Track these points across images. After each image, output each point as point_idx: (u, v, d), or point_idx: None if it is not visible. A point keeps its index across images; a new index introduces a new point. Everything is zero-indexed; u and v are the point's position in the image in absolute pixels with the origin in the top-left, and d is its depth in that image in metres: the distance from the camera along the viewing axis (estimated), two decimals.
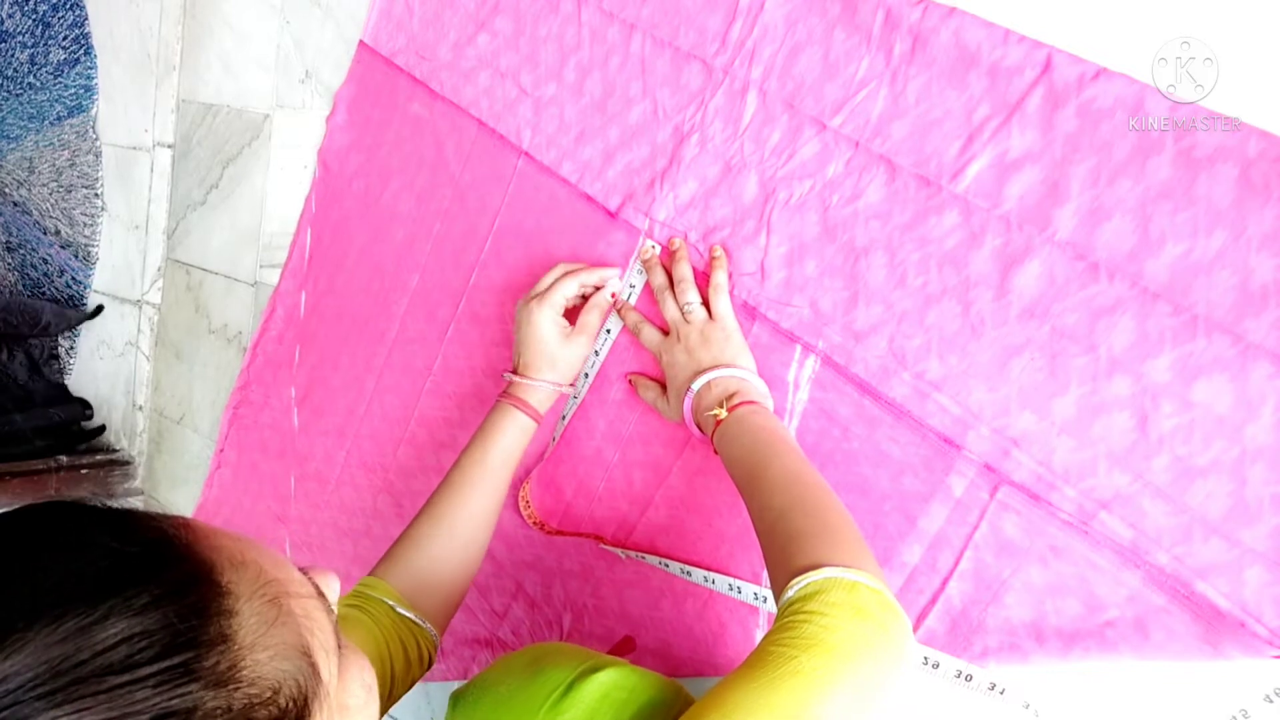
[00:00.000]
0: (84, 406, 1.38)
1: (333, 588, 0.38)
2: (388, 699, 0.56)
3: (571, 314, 0.74)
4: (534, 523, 0.82)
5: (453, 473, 0.70)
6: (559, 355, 0.72)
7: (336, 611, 0.38)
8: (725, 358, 0.66)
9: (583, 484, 0.80)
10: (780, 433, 0.61)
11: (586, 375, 0.78)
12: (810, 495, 0.53)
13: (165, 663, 0.27)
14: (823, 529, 0.49)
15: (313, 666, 0.31)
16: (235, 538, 0.33)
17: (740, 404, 0.63)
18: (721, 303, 0.69)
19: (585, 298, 0.75)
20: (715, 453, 0.64)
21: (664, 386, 0.71)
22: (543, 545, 0.83)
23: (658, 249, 0.73)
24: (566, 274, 0.73)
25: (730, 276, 0.71)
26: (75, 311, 1.38)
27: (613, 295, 0.74)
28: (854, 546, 0.48)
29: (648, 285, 0.74)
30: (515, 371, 0.73)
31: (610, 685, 0.49)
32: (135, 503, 1.33)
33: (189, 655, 0.27)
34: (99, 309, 1.37)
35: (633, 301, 0.75)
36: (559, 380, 0.72)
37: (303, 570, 0.36)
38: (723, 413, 0.63)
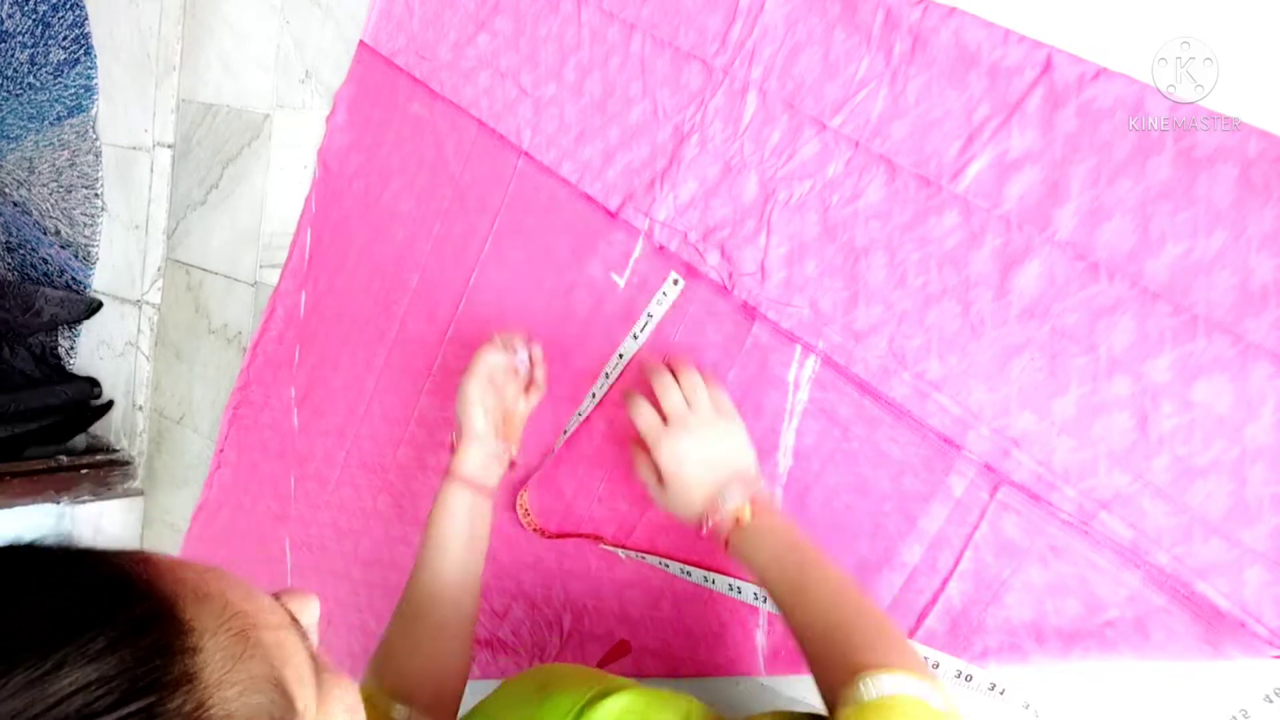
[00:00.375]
0: (92, 384, 1.38)
1: (310, 611, 0.36)
2: None
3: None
4: (533, 529, 0.82)
5: (415, 566, 0.69)
6: (473, 420, 0.70)
7: (316, 636, 0.37)
8: (738, 460, 0.64)
9: (583, 484, 0.80)
10: (797, 533, 0.59)
11: (594, 395, 0.77)
12: (855, 605, 0.53)
13: (126, 709, 0.25)
14: (878, 636, 0.50)
15: (287, 698, 0.30)
16: (200, 569, 0.31)
17: (756, 512, 0.61)
18: (700, 399, 0.65)
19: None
20: (725, 550, 0.61)
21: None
22: (543, 546, 0.83)
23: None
24: (486, 349, 0.72)
25: (730, 276, 0.71)
26: (72, 295, 1.37)
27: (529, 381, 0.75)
28: (911, 654, 0.49)
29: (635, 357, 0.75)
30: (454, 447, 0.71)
31: (622, 711, 0.49)
32: (135, 502, 1.33)
33: (151, 699, 0.26)
34: (98, 305, 1.36)
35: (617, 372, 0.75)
36: (475, 440, 0.70)
37: (278, 595, 0.35)
38: (746, 516, 0.60)
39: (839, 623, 0.52)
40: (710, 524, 0.62)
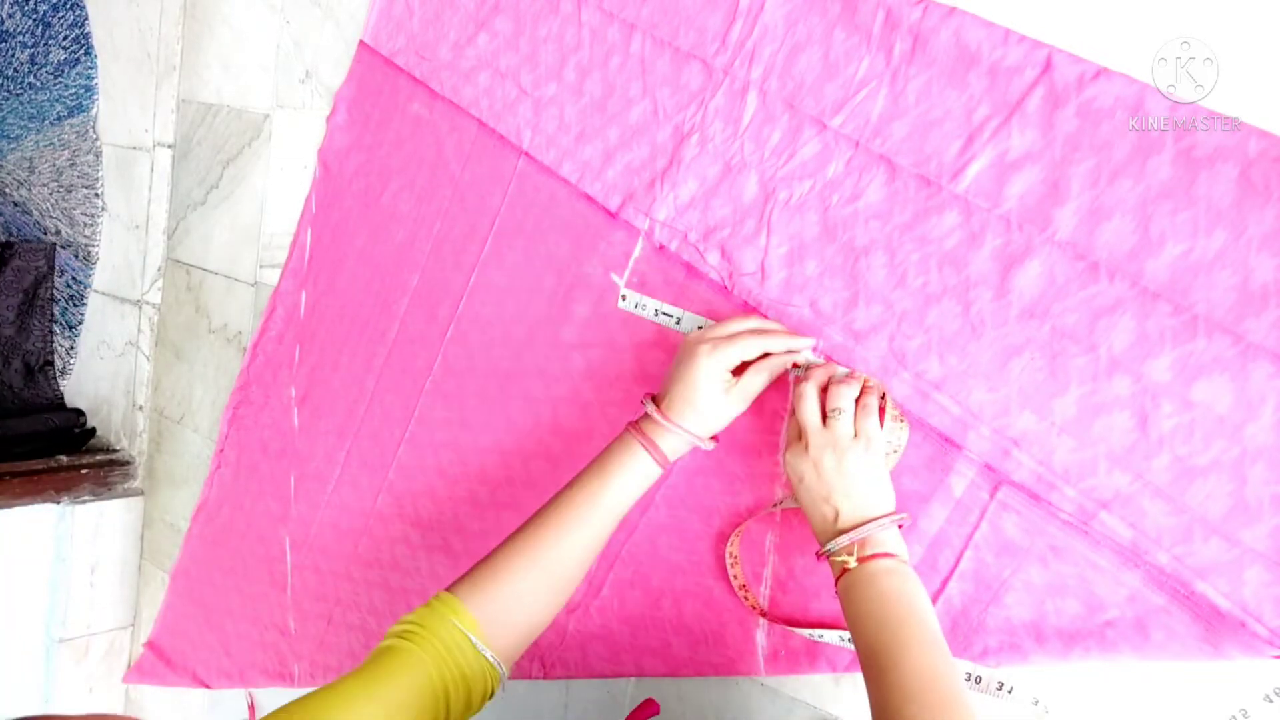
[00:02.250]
0: (78, 414, 1.39)
1: None
2: None
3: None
4: (752, 606, 0.71)
5: (559, 502, 0.63)
6: (708, 409, 0.63)
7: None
8: (867, 507, 0.58)
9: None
10: (916, 606, 0.54)
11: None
12: (943, 705, 0.49)
13: None
14: None
15: None
16: None
17: (873, 556, 0.56)
18: (870, 423, 0.60)
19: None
20: (836, 585, 0.59)
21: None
22: None
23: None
24: (755, 332, 0.64)
25: (731, 276, 0.71)
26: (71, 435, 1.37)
27: (794, 364, 0.65)
28: None
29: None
30: (657, 404, 0.64)
31: None
32: (135, 502, 1.33)
33: None
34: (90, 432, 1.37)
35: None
36: (700, 432, 0.63)
37: None
38: (852, 561, 0.56)
39: (916, 716, 0.48)
40: (823, 556, 0.59)
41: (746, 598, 0.71)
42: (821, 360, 0.66)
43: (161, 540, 1.31)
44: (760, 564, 0.71)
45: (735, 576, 0.71)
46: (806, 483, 0.60)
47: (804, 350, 0.65)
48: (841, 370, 0.64)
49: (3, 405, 1.37)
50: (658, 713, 0.76)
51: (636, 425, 0.64)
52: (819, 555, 0.60)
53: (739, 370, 0.64)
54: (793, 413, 0.63)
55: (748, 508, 0.71)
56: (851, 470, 0.58)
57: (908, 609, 0.54)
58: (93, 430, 1.37)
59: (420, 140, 0.91)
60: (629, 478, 0.63)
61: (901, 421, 0.63)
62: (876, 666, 0.53)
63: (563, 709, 0.85)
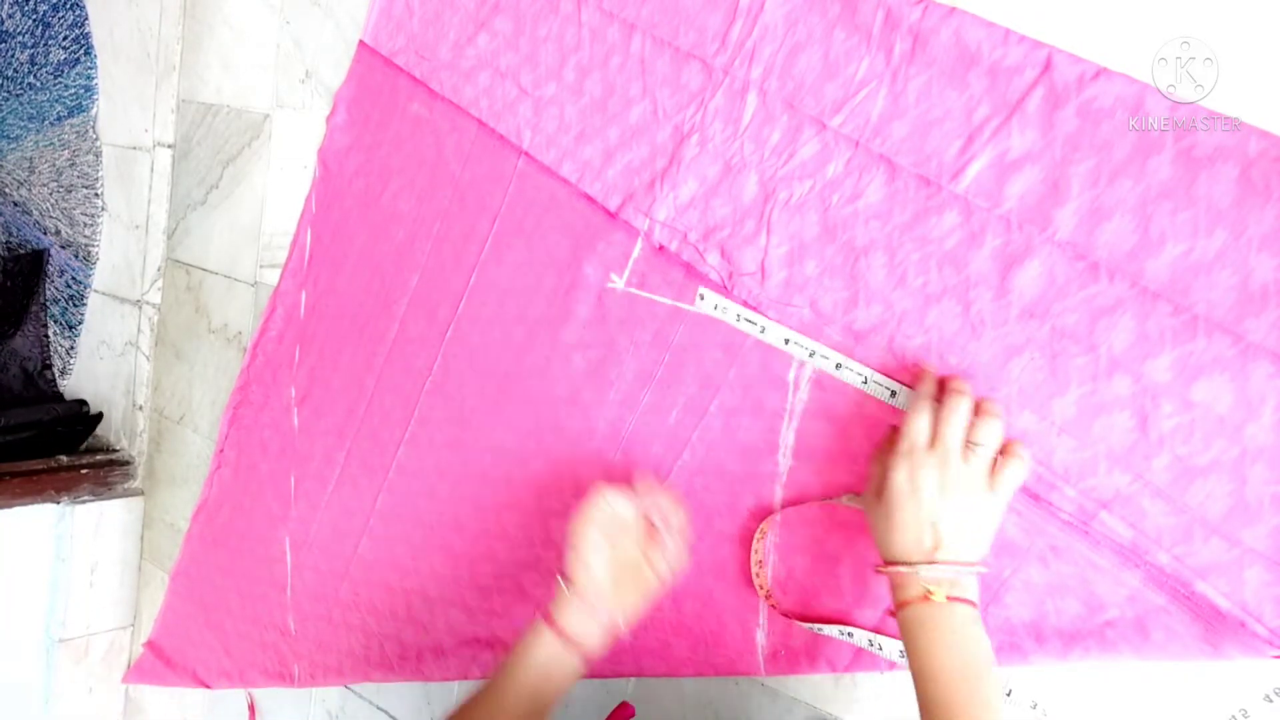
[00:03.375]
0: (80, 405, 1.38)
1: None
2: None
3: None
4: (764, 595, 0.70)
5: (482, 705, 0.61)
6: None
7: None
8: (973, 551, 0.55)
9: (582, 485, 0.80)
10: (992, 664, 0.53)
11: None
12: None
13: None
14: None
15: None
16: None
17: (959, 599, 0.54)
18: (1018, 474, 0.56)
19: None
20: (892, 612, 0.56)
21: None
22: (542, 545, 0.83)
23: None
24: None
25: (730, 276, 0.71)
26: (80, 420, 1.38)
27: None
28: None
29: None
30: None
31: None
32: (135, 502, 1.33)
33: None
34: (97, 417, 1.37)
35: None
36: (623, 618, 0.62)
37: None
38: (940, 595, 0.53)
39: None
40: (895, 570, 0.55)
41: (758, 575, 0.69)
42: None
43: (161, 540, 1.31)
44: (761, 562, 0.71)
45: (756, 551, 0.68)
46: (910, 500, 0.55)
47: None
48: (964, 399, 0.57)
49: (3, 402, 1.37)
50: (633, 715, 0.76)
51: (545, 612, 0.63)
52: (885, 567, 0.56)
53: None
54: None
55: (748, 508, 0.71)
56: (979, 513, 0.55)
57: (986, 666, 0.53)
58: (99, 415, 1.36)
59: (420, 140, 0.91)
60: (535, 662, 0.62)
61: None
62: (937, 708, 0.52)
63: (562, 709, 0.85)
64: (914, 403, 0.59)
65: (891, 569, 0.56)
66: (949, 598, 0.53)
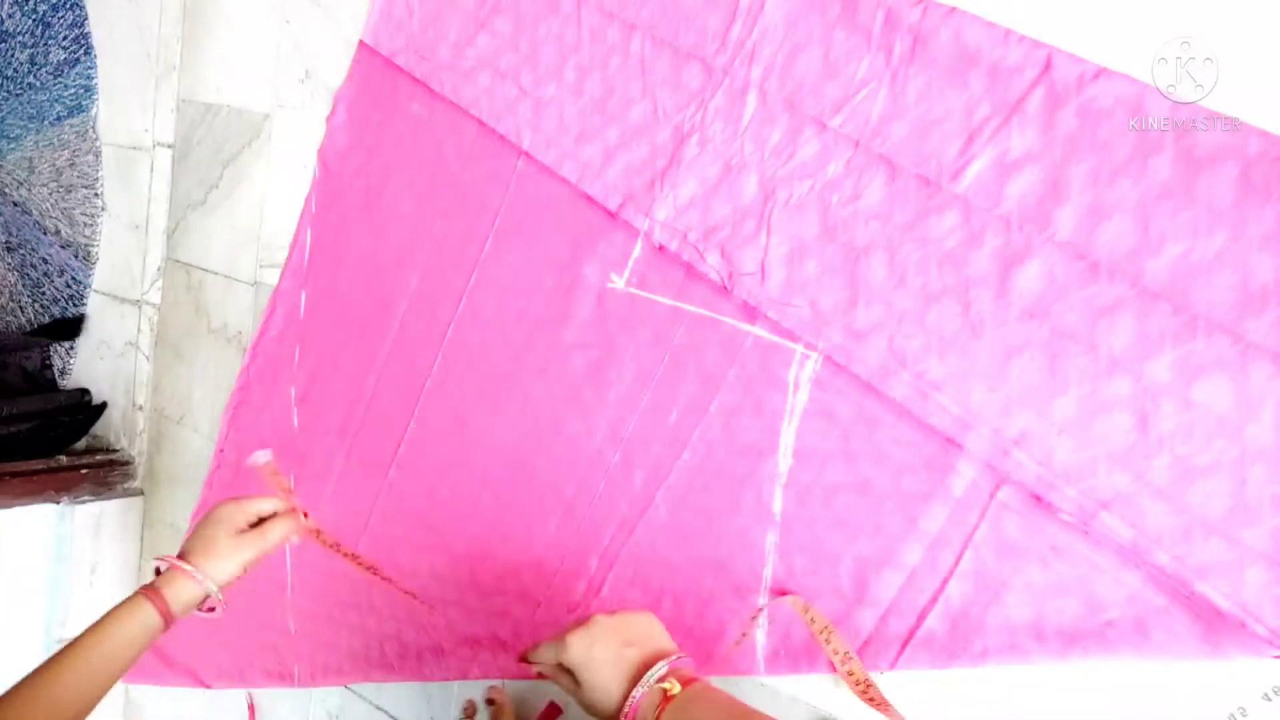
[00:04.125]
0: (83, 394, 1.38)
1: None
2: None
3: None
4: (858, 681, 0.68)
5: (61, 654, 0.63)
6: (221, 549, 0.68)
7: None
8: (655, 638, 0.58)
9: (583, 484, 0.80)
10: (740, 704, 0.53)
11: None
12: None
13: None
14: None
15: None
16: None
17: (691, 679, 0.54)
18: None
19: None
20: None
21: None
22: (544, 546, 0.83)
23: None
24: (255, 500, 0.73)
25: (730, 276, 0.71)
26: (63, 327, 1.39)
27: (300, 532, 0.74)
28: None
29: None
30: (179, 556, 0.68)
31: None
32: (135, 502, 1.33)
33: None
34: (79, 321, 1.38)
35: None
36: (214, 580, 0.67)
37: None
38: (675, 687, 0.53)
39: None
40: (632, 706, 0.54)
41: (852, 673, 0.66)
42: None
43: (161, 540, 1.31)
44: (760, 564, 0.71)
45: (835, 652, 0.66)
46: (593, 658, 0.57)
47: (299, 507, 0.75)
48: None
49: (5, 390, 1.37)
50: (560, 715, 0.77)
51: (152, 585, 0.67)
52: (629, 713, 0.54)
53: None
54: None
55: (749, 508, 0.71)
56: (639, 623, 0.59)
57: (740, 710, 0.52)
58: (103, 405, 1.36)
59: (420, 140, 0.91)
60: (140, 620, 0.64)
61: None
62: None
63: (562, 709, 0.85)
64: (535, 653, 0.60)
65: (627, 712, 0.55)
66: (685, 681, 0.53)
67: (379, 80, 0.94)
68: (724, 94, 0.70)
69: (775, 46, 0.67)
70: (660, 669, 0.54)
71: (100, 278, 1.37)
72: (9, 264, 1.54)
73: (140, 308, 1.29)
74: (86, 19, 1.35)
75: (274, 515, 0.74)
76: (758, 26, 0.68)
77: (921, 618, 0.64)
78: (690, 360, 0.73)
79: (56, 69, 1.39)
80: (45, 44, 1.41)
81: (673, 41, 0.72)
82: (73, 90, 1.37)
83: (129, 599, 0.66)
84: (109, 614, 0.65)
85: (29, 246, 1.49)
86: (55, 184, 1.42)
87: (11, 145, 1.50)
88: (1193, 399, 0.54)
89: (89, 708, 0.63)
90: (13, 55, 1.48)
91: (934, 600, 0.63)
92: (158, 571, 0.68)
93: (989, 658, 0.62)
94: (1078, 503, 0.58)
